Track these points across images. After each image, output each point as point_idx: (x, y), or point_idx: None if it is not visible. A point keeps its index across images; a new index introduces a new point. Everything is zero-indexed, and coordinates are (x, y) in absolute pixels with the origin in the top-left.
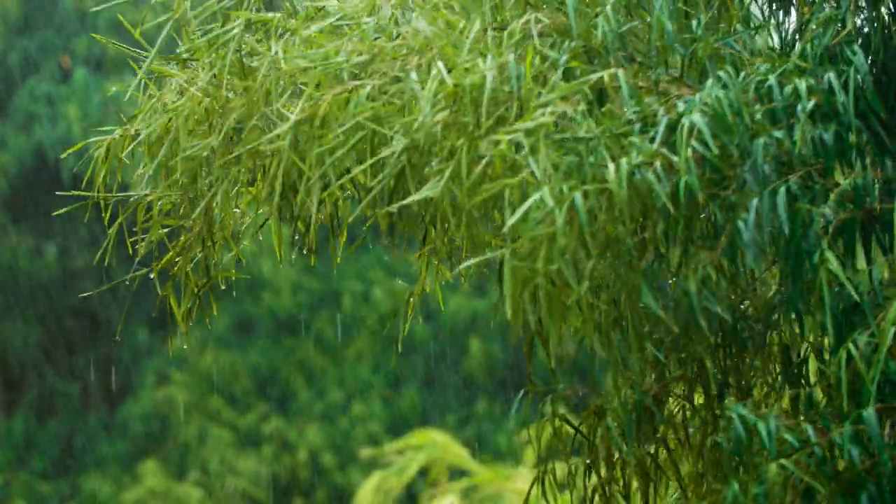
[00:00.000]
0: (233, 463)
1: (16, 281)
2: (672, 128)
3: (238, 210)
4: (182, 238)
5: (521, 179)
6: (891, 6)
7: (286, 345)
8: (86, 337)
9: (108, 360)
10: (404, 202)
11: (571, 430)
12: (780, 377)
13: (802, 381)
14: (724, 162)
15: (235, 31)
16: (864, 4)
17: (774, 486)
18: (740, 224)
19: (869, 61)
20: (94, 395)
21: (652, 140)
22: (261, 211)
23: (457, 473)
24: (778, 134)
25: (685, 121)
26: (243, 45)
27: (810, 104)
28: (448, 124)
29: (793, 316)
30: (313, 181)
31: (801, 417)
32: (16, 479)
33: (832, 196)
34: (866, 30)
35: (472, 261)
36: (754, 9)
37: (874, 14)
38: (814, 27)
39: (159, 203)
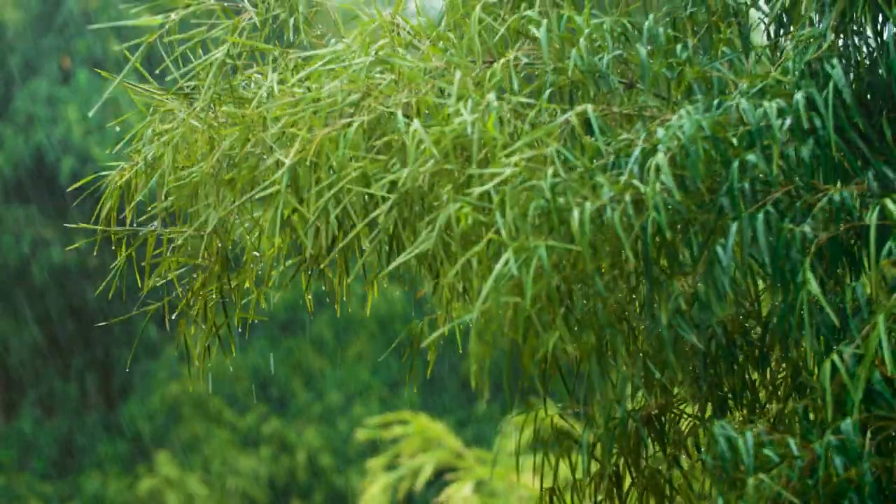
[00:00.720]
0: (233, 463)
1: (16, 281)
2: (647, 156)
3: (258, 253)
4: (199, 277)
5: (488, 241)
6: (874, 18)
7: (285, 346)
8: (87, 338)
9: (110, 361)
10: (398, 261)
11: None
12: (780, 391)
13: (795, 396)
14: (697, 192)
15: (219, 55)
16: (850, 19)
17: (759, 501)
18: (718, 250)
19: (851, 76)
20: (96, 396)
21: (620, 174)
22: (290, 262)
23: (455, 466)
24: (751, 157)
25: (653, 160)
26: (234, 74)
27: (786, 123)
28: (435, 173)
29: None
30: (310, 223)
31: (785, 431)
32: (19, 479)
33: (813, 213)
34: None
35: (439, 331)
36: (755, 32)
37: (855, 29)
38: (797, 44)
39: (172, 241)
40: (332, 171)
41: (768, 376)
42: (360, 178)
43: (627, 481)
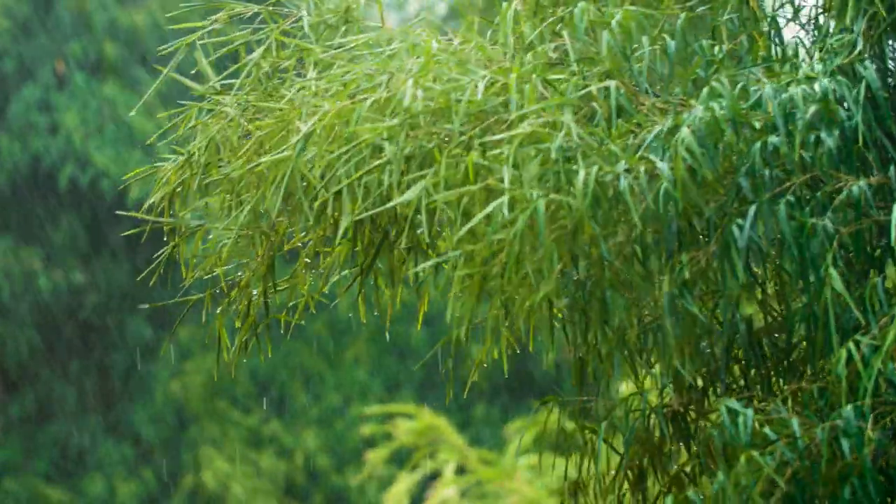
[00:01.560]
0: (231, 465)
1: (13, 286)
2: (670, 134)
3: (309, 260)
4: (245, 274)
5: (486, 186)
6: None
7: (284, 348)
8: (86, 342)
9: (109, 363)
10: (386, 206)
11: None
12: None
13: (810, 380)
14: (717, 172)
15: (255, 55)
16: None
17: (755, 478)
18: (734, 229)
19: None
20: (95, 398)
21: (639, 148)
22: (346, 272)
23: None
24: (774, 139)
25: (678, 136)
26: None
27: (811, 110)
28: (439, 135)
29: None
30: (319, 188)
31: (795, 412)
32: (20, 482)
33: (833, 205)
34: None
35: (426, 264)
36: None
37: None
38: (829, 48)
39: (221, 240)
40: (338, 155)
41: (795, 385)
42: (373, 146)
43: (651, 478)
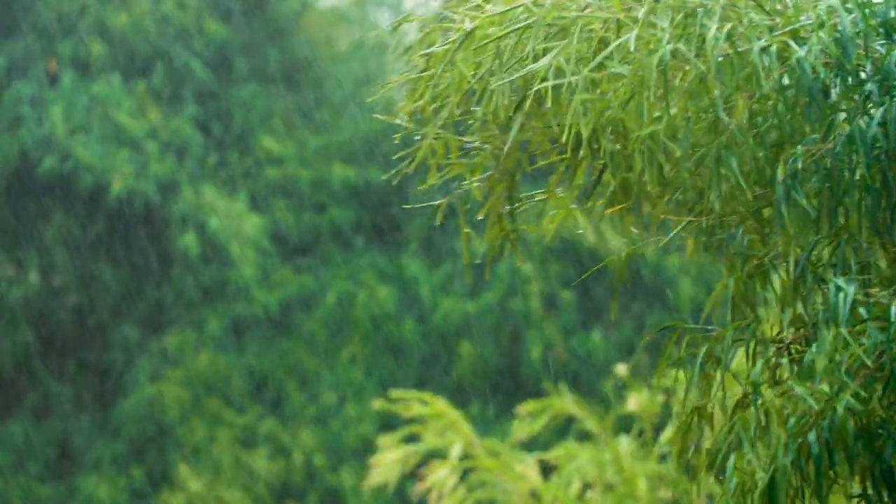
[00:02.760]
0: (228, 465)
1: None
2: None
3: (561, 190)
4: (491, 183)
5: (619, 22)
6: None
7: (280, 347)
8: (77, 339)
9: (100, 362)
10: (528, 69)
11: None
12: None
13: None
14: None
15: None
16: None
17: (846, 355)
18: (861, 122)
19: None
20: (87, 397)
21: (772, 29)
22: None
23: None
24: None
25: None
26: None
27: None
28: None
29: None
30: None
31: None
32: (14, 482)
33: None
34: None
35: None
36: None
37: None
38: None
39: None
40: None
41: None
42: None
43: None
